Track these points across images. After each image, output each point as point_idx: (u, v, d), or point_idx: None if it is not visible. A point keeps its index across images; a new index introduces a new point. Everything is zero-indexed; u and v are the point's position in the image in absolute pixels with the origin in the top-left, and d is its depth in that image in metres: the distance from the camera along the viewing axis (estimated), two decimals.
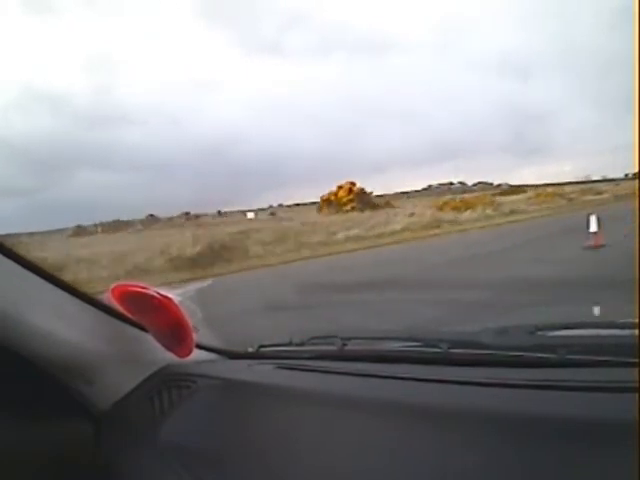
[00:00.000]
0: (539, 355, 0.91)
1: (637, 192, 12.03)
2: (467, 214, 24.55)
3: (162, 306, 1.11)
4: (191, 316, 1.18)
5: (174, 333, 1.15)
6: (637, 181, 15.07)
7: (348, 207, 29.66)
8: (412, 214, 23.90)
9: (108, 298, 1.12)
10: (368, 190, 31.93)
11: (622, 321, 1.05)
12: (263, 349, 1.33)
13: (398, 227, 20.65)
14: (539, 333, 1.08)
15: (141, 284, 1.13)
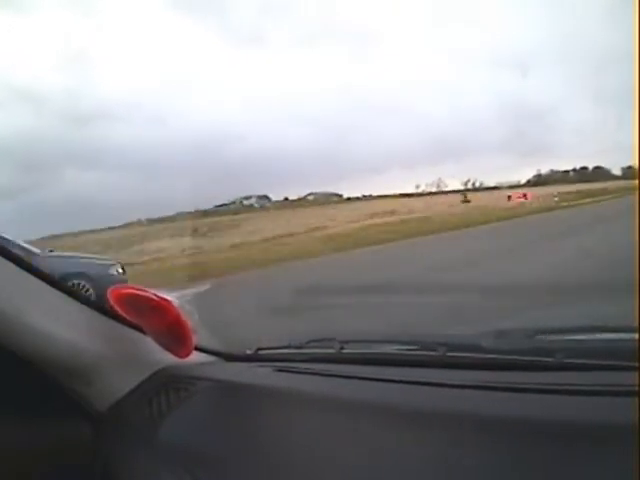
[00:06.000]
0: (537, 359, 0.91)
1: (637, 191, 12.01)
2: None
3: (161, 308, 1.11)
4: (189, 318, 1.18)
5: (173, 334, 1.15)
6: (637, 181, 15.14)
7: None
8: None
9: (106, 300, 1.12)
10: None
11: (621, 324, 1.05)
12: (261, 351, 1.33)
13: None
14: (537, 336, 1.08)
15: (139, 286, 1.14)
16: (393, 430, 0.86)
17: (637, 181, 21.82)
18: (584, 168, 41.63)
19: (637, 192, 13.11)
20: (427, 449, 0.79)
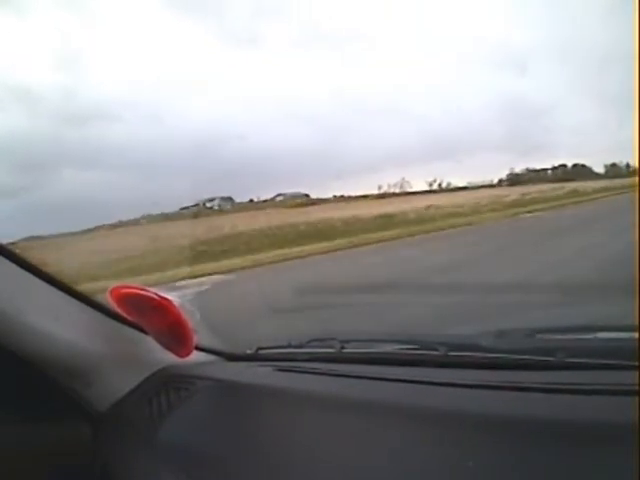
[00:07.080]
0: (538, 358, 0.91)
1: (637, 189, 12.00)
2: None
3: (161, 307, 1.11)
4: (190, 318, 1.18)
5: (174, 333, 1.14)
6: (636, 178, 15.13)
7: None
8: None
9: (107, 299, 1.12)
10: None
11: (621, 324, 1.05)
12: (262, 351, 1.32)
13: None
14: (538, 336, 1.08)
15: (139, 286, 1.13)
16: (394, 429, 0.86)
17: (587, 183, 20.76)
18: (563, 166, 37.65)
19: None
20: (428, 448, 0.79)
